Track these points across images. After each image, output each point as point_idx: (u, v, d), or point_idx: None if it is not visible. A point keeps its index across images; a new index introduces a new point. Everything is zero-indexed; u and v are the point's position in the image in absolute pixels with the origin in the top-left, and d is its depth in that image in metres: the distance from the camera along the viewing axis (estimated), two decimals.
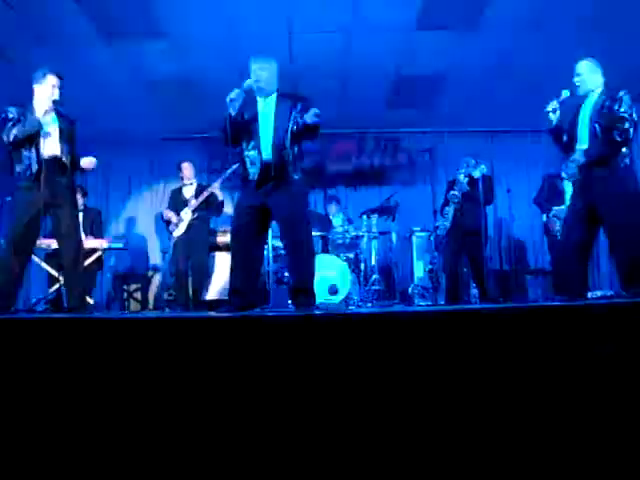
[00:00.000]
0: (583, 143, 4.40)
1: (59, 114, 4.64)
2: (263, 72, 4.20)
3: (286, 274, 6.50)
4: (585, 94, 4.48)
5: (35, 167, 4.42)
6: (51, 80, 4.54)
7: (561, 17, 5.74)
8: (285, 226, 4.23)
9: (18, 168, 4.46)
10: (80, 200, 7.12)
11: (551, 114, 4.53)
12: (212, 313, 4.46)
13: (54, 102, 4.53)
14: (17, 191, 4.48)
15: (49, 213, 4.53)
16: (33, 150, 4.44)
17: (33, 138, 4.42)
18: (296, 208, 4.20)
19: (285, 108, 4.21)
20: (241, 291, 4.20)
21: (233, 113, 4.08)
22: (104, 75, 6.87)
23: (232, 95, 4.04)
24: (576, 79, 4.47)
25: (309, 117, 4.02)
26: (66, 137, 4.62)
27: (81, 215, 7.01)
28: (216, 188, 6.60)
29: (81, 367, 2.30)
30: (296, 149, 4.23)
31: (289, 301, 5.53)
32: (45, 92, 4.51)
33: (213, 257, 7.41)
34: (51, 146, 4.52)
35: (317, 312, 3.66)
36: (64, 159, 4.57)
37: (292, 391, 2.22)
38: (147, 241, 9.16)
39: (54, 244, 6.08)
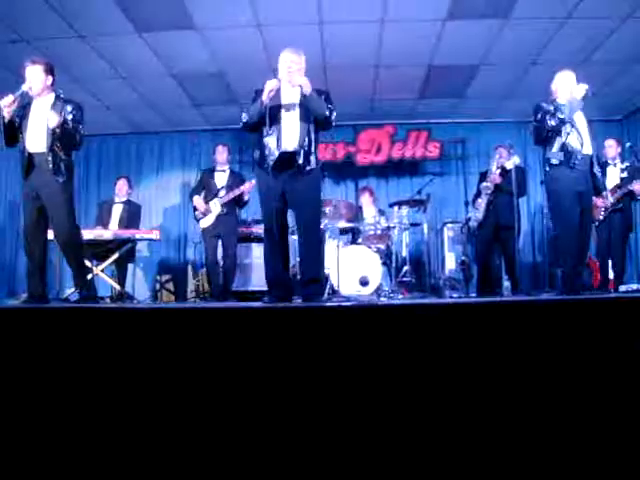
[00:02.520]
0: (586, 144, 4.86)
1: (57, 101, 4.48)
2: (296, 64, 4.28)
3: None
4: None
5: (24, 160, 4.42)
6: (27, 71, 4.42)
7: (593, 6, 5.65)
8: (300, 213, 4.32)
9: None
10: (125, 187, 7.24)
11: (552, 117, 4.83)
12: (247, 304, 4.49)
13: (28, 91, 4.39)
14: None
15: (43, 203, 4.44)
16: (22, 142, 4.43)
17: (13, 129, 4.39)
18: (311, 195, 4.31)
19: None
20: (281, 281, 4.32)
21: (267, 101, 4.14)
22: (137, 67, 6.94)
23: (272, 85, 4.14)
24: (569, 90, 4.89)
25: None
26: (56, 125, 4.38)
27: (121, 207, 7.14)
28: (248, 187, 6.53)
29: (113, 355, 2.33)
30: (314, 138, 4.33)
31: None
32: (26, 82, 4.40)
33: (246, 248, 7.45)
34: (37, 136, 4.41)
35: (348, 304, 3.67)
36: (46, 150, 4.39)
37: (328, 379, 2.23)
38: (181, 232, 9.24)
39: (88, 234, 6.19)
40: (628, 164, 6.37)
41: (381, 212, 7.51)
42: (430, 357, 2.26)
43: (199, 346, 2.33)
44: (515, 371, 2.22)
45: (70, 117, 4.44)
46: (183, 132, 9.27)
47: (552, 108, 4.85)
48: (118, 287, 6.74)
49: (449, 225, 7.81)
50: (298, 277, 6.50)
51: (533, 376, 2.21)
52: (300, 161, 4.20)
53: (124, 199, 7.25)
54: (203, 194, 6.70)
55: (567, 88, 4.90)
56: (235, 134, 8.99)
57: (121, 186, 7.22)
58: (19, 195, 6.55)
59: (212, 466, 2.12)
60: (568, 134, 4.81)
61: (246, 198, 6.63)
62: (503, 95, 8.07)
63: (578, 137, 4.81)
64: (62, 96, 4.54)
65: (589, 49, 6.38)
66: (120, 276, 6.97)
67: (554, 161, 4.87)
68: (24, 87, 4.34)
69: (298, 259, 4.72)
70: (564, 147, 4.81)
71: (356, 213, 7.43)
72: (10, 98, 4.27)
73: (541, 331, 2.30)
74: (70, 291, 5.53)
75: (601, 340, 2.26)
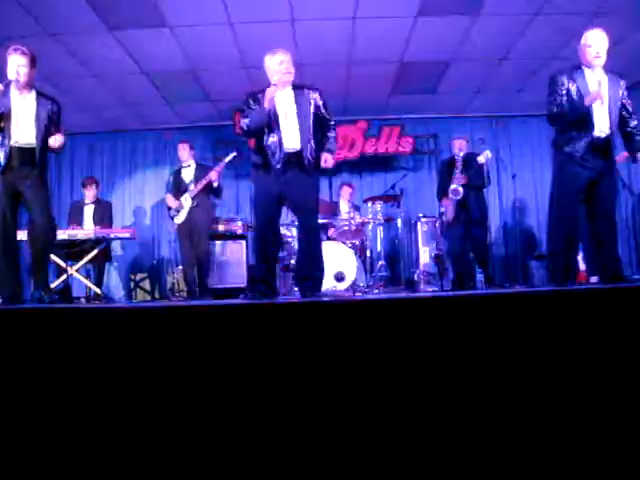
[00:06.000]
0: (603, 124, 4.20)
1: (39, 95, 4.36)
2: (289, 65, 4.36)
3: (292, 261, 6.51)
4: (592, 69, 4.21)
5: (5, 154, 4.21)
6: (13, 59, 4.19)
7: (562, 2, 5.72)
8: (299, 214, 4.45)
9: None
10: (93, 192, 7.20)
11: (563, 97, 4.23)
12: (224, 301, 4.53)
13: (14, 82, 4.16)
14: None
15: (22, 200, 4.30)
16: (3, 136, 4.23)
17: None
18: (310, 196, 4.41)
19: (303, 98, 4.40)
20: (266, 278, 4.39)
21: (267, 106, 4.24)
22: (108, 64, 6.87)
23: (272, 92, 4.22)
24: (600, 51, 4.15)
25: (327, 162, 4.37)
26: (43, 119, 4.31)
27: (92, 207, 7.11)
28: (214, 175, 6.50)
29: (91, 357, 2.33)
30: (314, 140, 4.41)
31: (295, 288, 5.53)
32: (9, 71, 4.17)
33: (222, 245, 7.46)
34: (23, 130, 4.26)
35: (324, 299, 3.70)
36: (36, 144, 4.26)
37: (304, 376, 2.25)
38: (155, 230, 9.19)
39: (62, 234, 6.14)
40: None
41: (355, 207, 7.56)
42: (405, 351, 2.29)
43: (182, 345, 2.34)
44: (492, 363, 2.26)
45: (55, 117, 4.42)
46: (155, 130, 9.21)
47: (574, 87, 4.15)
48: (93, 287, 6.70)
49: (423, 220, 7.85)
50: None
51: (510, 368, 2.25)
52: (301, 161, 4.30)
53: (94, 199, 7.22)
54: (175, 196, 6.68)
55: (595, 53, 4.14)
56: (208, 131, 8.98)
57: (89, 191, 7.19)
58: None
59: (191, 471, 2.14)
60: (590, 114, 4.14)
61: (216, 185, 6.59)
62: (474, 90, 8.15)
63: (599, 114, 4.15)
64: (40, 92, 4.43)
65: (558, 45, 6.45)
66: (97, 276, 6.94)
67: (566, 148, 4.23)
68: (11, 77, 4.14)
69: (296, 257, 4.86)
70: (582, 129, 4.16)
71: (332, 209, 7.47)
72: None
73: (515, 323, 2.35)
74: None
75: (578, 331, 2.31)
